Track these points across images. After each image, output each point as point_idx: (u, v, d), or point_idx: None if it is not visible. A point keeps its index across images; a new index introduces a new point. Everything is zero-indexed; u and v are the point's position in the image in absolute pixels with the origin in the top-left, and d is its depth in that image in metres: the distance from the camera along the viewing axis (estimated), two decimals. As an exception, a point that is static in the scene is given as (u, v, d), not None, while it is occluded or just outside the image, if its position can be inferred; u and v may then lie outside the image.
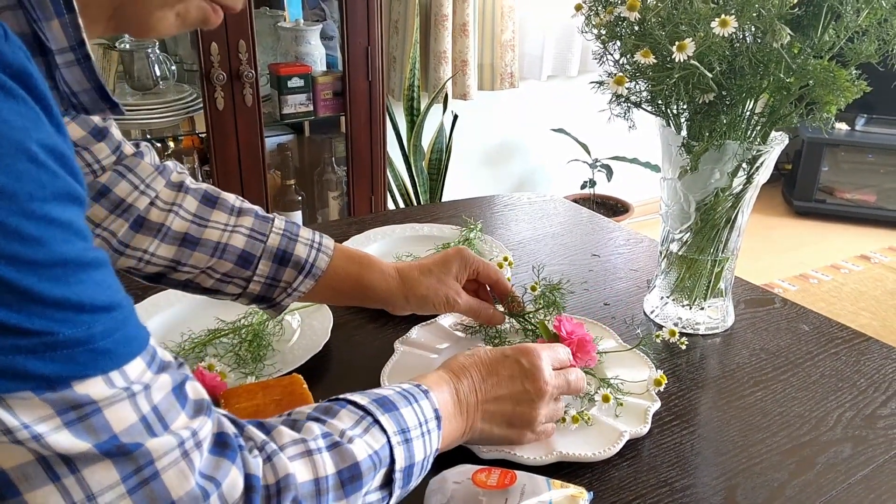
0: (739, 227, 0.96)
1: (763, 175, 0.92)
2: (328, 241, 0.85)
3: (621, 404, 0.82)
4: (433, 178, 2.60)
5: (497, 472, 0.66)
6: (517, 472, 0.66)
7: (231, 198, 0.83)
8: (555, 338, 0.84)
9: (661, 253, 1.03)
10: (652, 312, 1.04)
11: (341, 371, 0.93)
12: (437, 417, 0.62)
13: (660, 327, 1.02)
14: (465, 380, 0.70)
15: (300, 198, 2.25)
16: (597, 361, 0.85)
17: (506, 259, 1.05)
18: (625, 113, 0.95)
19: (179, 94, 2.01)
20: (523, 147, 3.10)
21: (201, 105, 1.97)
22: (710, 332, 1.01)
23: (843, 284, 3.05)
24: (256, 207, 0.84)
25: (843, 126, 3.62)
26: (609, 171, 3.08)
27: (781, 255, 3.30)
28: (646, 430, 0.80)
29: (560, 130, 3.04)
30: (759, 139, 0.90)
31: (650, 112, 0.96)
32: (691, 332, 1.01)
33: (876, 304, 2.90)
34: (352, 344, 0.98)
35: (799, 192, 3.68)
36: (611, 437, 0.78)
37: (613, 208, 3.18)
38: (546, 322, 0.86)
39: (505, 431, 0.72)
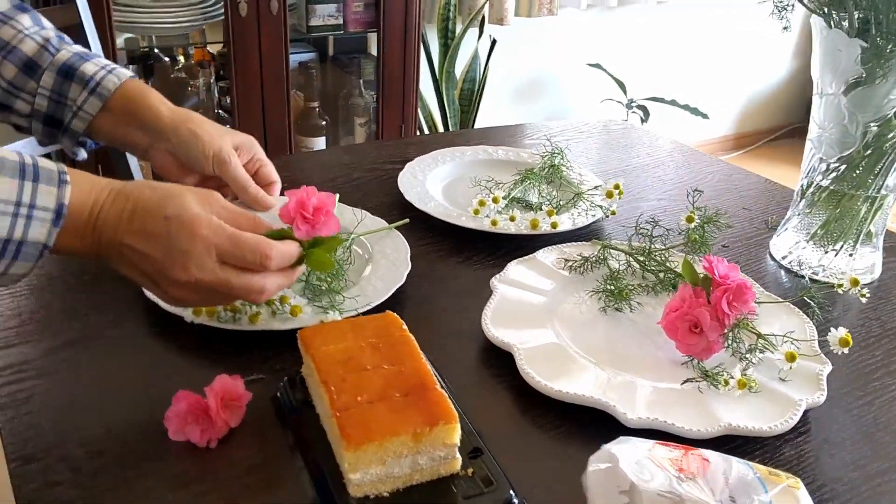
0: (911, 157, 0.80)
1: (954, 93, 0.75)
2: (124, 71, 0.78)
3: (792, 367, 0.66)
4: (464, 109, 2.40)
5: (680, 452, 0.50)
6: (703, 450, 0.51)
7: (52, 29, 0.79)
8: (705, 282, 0.68)
9: (801, 187, 0.86)
10: (784, 258, 0.88)
11: (426, 310, 0.76)
12: (59, 214, 0.55)
13: (794, 274, 0.86)
14: (118, 205, 0.58)
15: (324, 122, 2.06)
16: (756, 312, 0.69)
17: (616, 187, 0.88)
18: (781, 11, 0.78)
19: (198, -2, 1.79)
20: (557, 82, 2.89)
21: (222, 11, 1.76)
22: (856, 283, 0.85)
23: None
24: (67, 38, 0.79)
25: None
26: (645, 113, 2.89)
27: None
28: (823, 398, 0.64)
29: (596, 66, 2.84)
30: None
31: (811, 9, 0.78)
32: (835, 281, 0.85)
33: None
34: (433, 279, 0.82)
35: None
36: (784, 406, 0.63)
37: (645, 153, 3.00)
38: (692, 262, 0.70)
39: (152, 286, 0.60)
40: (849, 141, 0.79)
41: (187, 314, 0.69)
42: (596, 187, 0.93)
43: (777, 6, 0.76)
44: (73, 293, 0.76)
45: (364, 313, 0.70)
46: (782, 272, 0.88)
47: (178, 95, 1.98)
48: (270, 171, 0.79)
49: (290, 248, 0.61)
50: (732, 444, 0.61)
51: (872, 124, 0.78)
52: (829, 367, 0.68)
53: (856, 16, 0.76)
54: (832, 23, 0.78)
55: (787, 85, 3.65)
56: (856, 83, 0.77)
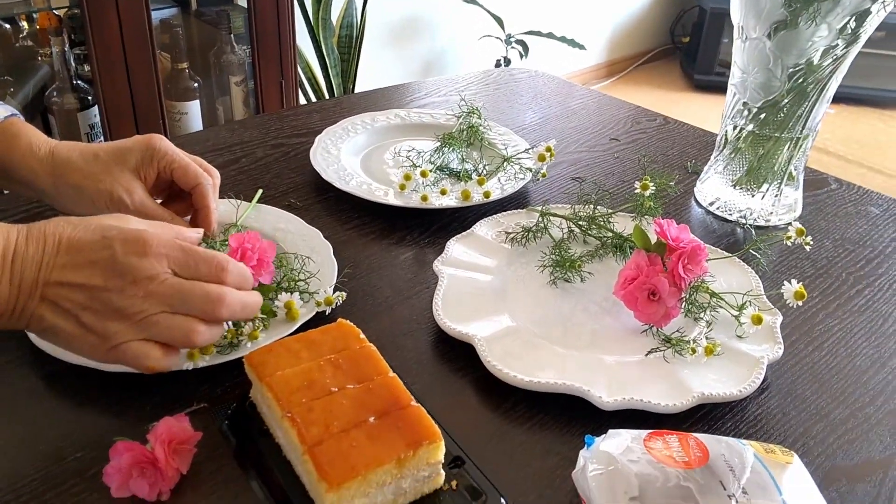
0: (829, 97, 0.81)
1: (870, 29, 0.76)
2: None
3: (757, 329, 0.66)
4: (344, 57, 2.29)
5: (674, 440, 0.49)
6: (696, 435, 0.50)
7: None
8: (659, 248, 0.66)
9: (724, 133, 0.86)
10: (711, 204, 0.89)
11: (371, 306, 0.71)
12: None
13: (722, 220, 0.87)
14: (35, 245, 0.51)
15: (196, 84, 1.90)
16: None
17: (548, 150, 0.84)
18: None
19: (35, -46, 1.58)
20: (434, 21, 2.81)
21: (67, -32, 1.56)
22: (781, 223, 0.87)
23: (753, 158, 3.07)
24: None
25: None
26: (524, 48, 2.87)
27: (690, 130, 3.27)
28: (781, 351, 0.65)
29: (472, 1, 2.78)
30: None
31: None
32: (763, 224, 0.86)
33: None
34: (370, 267, 0.76)
35: (700, 65, 3.64)
36: (747, 365, 0.63)
37: (527, 88, 2.99)
38: (641, 227, 0.68)
39: (76, 330, 0.52)
40: (774, 84, 0.79)
41: (185, 362, 0.57)
42: (526, 150, 0.89)
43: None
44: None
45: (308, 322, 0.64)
46: (710, 218, 0.88)
47: (26, 68, 1.77)
48: (185, 173, 0.67)
49: (245, 269, 0.56)
50: (702, 410, 0.61)
51: (797, 67, 0.77)
52: (780, 318, 0.68)
53: (776, -43, 0.74)
54: (751, -36, 0.76)
55: (651, 9, 3.73)
56: (779, 26, 0.76)
